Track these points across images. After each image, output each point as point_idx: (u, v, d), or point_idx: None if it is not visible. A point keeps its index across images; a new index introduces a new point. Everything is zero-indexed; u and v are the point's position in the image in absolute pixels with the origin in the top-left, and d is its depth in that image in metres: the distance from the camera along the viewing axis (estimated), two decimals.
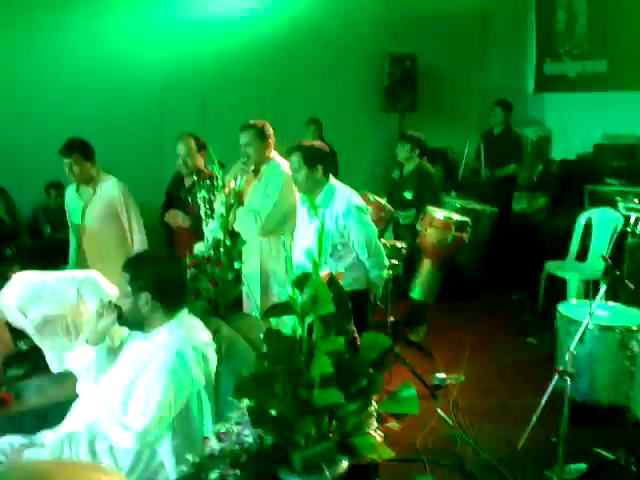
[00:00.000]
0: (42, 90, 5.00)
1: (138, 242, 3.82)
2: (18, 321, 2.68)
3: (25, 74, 4.97)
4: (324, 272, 1.56)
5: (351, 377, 1.73)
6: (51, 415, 2.34)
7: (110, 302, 2.22)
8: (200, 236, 3.41)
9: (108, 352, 2.25)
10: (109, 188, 3.74)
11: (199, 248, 2.73)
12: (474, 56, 6.85)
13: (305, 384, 1.69)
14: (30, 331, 2.66)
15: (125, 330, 2.29)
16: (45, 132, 4.82)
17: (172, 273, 2.14)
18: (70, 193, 3.86)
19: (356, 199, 3.13)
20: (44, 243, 5.07)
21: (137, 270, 2.10)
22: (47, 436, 2.19)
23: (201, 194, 2.74)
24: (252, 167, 3.44)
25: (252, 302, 3.33)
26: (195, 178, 3.49)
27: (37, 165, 4.95)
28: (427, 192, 4.36)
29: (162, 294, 2.09)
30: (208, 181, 2.97)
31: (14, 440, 2.14)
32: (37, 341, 2.71)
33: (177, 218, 4.12)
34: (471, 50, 6.80)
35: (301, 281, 1.49)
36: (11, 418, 2.41)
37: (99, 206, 3.72)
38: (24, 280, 2.70)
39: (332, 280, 1.58)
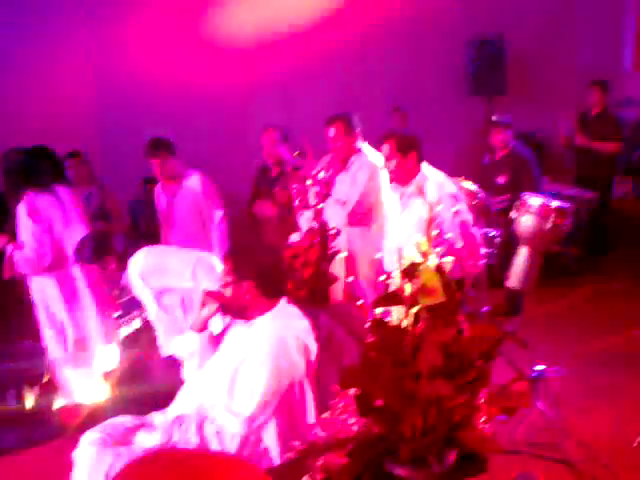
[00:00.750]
0: (135, 86, 5.25)
1: (218, 234, 3.90)
2: (139, 289, 2.82)
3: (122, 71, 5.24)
4: (433, 262, 1.53)
5: (459, 369, 1.69)
6: (158, 398, 2.46)
7: (212, 291, 2.28)
8: (287, 226, 3.46)
9: (211, 339, 2.32)
10: (193, 183, 3.86)
11: (294, 238, 2.76)
12: (565, 34, 6.49)
13: (412, 375, 1.67)
14: (148, 300, 2.80)
15: (227, 318, 2.35)
16: (140, 127, 5.05)
17: (273, 263, 2.17)
18: (158, 189, 4.03)
19: (450, 187, 3.06)
20: (141, 236, 5.31)
21: (239, 260, 2.15)
22: (156, 418, 2.29)
23: (294, 186, 2.76)
24: (340, 158, 3.44)
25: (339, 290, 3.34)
26: (280, 169, 3.54)
27: (135, 160, 5.19)
28: (523, 177, 4.20)
29: (263, 283, 2.12)
30: (296, 172, 3.00)
31: (127, 420, 2.26)
32: (153, 318, 2.85)
33: (265, 208, 4.19)
34: (561, 28, 6.45)
35: (410, 270, 1.46)
36: (123, 400, 2.55)
37: (184, 201, 3.86)
38: (149, 251, 2.87)
39: (441, 270, 1.54)
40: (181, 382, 2.37)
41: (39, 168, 3.40)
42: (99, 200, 4.77)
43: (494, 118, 4.70)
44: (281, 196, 3.96)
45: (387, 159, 3.04)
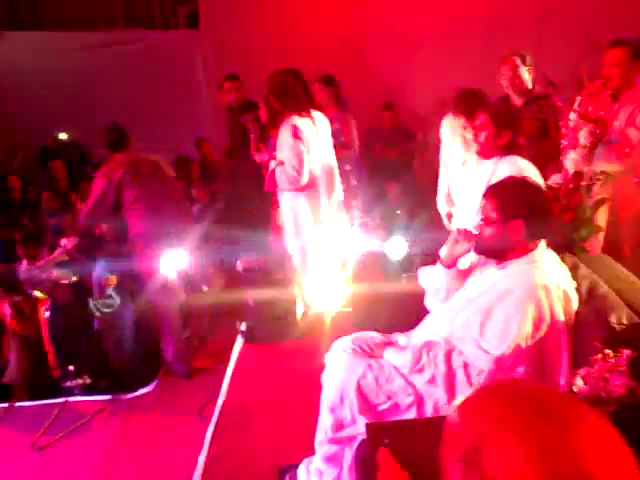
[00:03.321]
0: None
1: None
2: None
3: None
4: None
5: None
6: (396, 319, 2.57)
7: (466, 229, 2.24)
8: (537, 164, 3.23)
9: (458, 275, 2.32)
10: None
11: (556, 179, 2.57)
12: None
13: None
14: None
15: (476, 256, 2.31)
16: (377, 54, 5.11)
17: (540, 202, 2.05)
18: None
19: None
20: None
21: (509, 197, 2.06)
22: (399, 337, 2.41)
23: (571, 122, 2.52)
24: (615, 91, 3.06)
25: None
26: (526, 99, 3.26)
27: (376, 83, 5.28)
28: None
29: (530, 223, 2.02)
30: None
31: (374, 335, 2.41)
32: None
33: None
34: None
35: None
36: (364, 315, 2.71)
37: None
38: None
39: None
40: (423, 310, 2.44)
41: (299, 91, 3.61)
42: (338, 124, 4.97)
43: None
44: (528, 128, 3.70)
45: None
